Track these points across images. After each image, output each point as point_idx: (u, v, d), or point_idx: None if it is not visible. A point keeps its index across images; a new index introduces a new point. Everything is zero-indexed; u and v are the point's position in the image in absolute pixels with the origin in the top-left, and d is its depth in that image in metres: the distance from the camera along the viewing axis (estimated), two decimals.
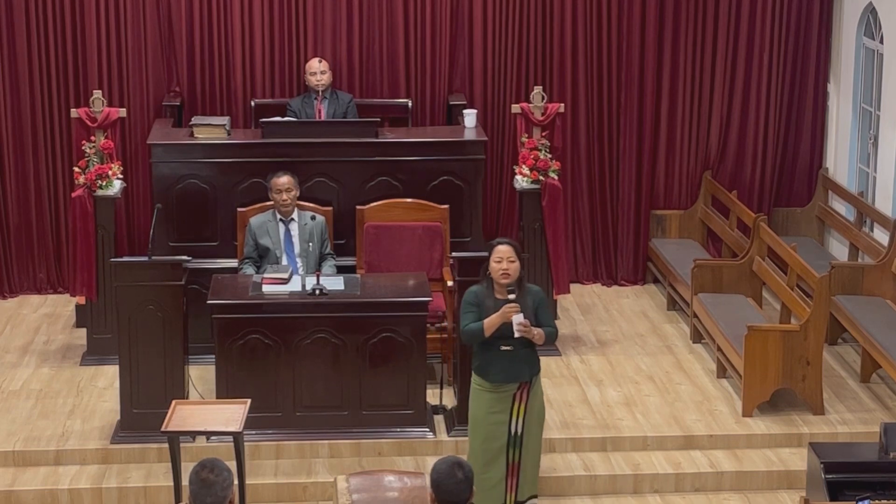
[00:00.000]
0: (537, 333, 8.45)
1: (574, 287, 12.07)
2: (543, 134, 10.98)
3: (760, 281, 11.28)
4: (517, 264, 8.46)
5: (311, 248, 10.42)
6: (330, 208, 10.87)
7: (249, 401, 8.81)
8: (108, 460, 9.52)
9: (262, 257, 10.42)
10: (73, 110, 10.88)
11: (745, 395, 10.03)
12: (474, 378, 8.60)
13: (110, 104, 11.41)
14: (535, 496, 8.82)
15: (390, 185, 11.07)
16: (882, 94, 11.73)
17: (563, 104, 11.32)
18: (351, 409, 9.67)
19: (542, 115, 10.99)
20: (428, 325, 9.83)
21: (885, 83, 11.66)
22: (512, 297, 8.37)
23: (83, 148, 10.66)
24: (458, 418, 9.67)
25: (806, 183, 12.89)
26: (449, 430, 9.73)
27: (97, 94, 10.81)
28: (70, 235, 11.24)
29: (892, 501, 8.08)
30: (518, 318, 8.35)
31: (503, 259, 8.43)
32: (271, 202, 10.53)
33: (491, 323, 8.40)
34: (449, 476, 6.09)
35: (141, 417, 9.52)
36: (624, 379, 10.71)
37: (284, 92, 12.27)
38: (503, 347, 8.43)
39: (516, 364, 8.48)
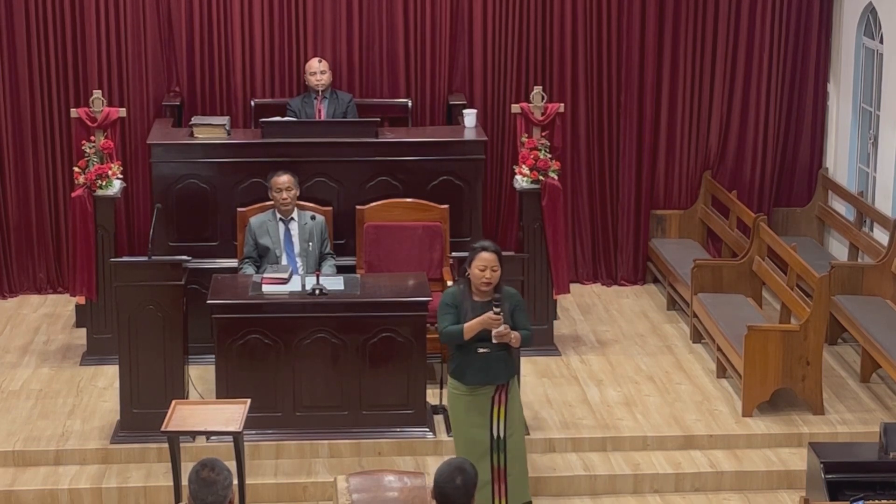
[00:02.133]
0: (514, 337, 8.38)
1: (574, 287, 12.07)
2: (543, 134, 10.98)
3: (760, 281, 11.28)
4: (499, 272, 8.36)
5: (310, 248, 10.43)
6: (330, 208, 10.87)
7: (249, 401, 8.81)
8: (108, 460, 9.52)
9: (262, 257, 10.42)
10: (73, 110, 10.88)
11: (745, 395, 10.03)
12: (450, 382, 8.51)
13: (110, 104, 11.41)
14: (530, 502, 8.77)
15: (390, 185, 11.07)
16: (882, 94, 11.73)
17: (563, 104, 11.31)
18: (351, 409, 9.67)
19: (542, 115, 10.98)
20: (428, 325, 9.83)
21: (885, 83, 11.66)
22: (497, 310, 8.27)
23: (83, 148, 10.66)
24: None
25: (806, 183, 12.89)
26: (449, 430, 9.71)
27: (97, 94, 10.81)
28: (70, 235, 11.24)
29: (891, 501, 8.09)
30: (500, 330, 8.31)
31: (487, 268, 8.31)
32: (271, 202, 10.53)
33: (471, 327, 8.29)
34: (448, 481, 6.11)
35: (141, 417, 9.52)
36: (624, 379, 10.71)
37: (284, 92, 12.27)
38: (480, 349, 8.35)
39: (493, 366, 8.40)
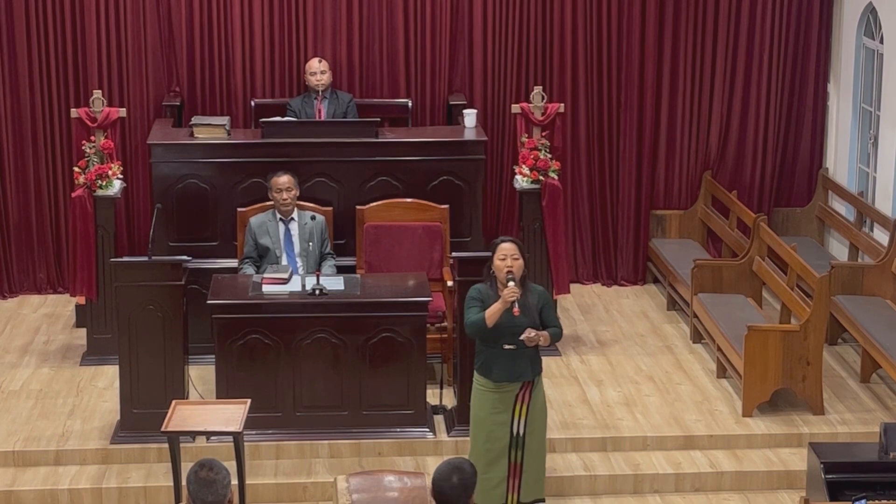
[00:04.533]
0: (544, 337, 8.49)
1: (574, 287, 12.07)
2: (543, 134, 10.98)
3: (760, 281, 11.28)
4: (521, 262, 8.48)
5: (311, 248, 10.43)
6: (330, 208, 10.87)
7: (249, 401, 8.81)
8: (108, 460, 9.52)
9: (262, 257, 10.42)
10: (73, 110, 10.88)
11: (745, 395, 10.03)
12: (476, 378, 8.61)
13: (110, 104, 11.42)
14: (543, 500, 8.80)
15: (390, 185, 11.08)
16: (882, 94, 11.73)
17: (563, 104, 11.31)
18: (351, 409, 9.67)
19: (542, 115, 10.99)
20: (428, 325, 9.84)
21: (885, 83, 11.66)
22: (511, 284, 8.38)
23: (83, 148, 10.66)
24: (458, 418, 9.67)
25: (806, 183, 12.89)
26: (449, 430, 9.73)
27: (97, 94, 10.81)
28: (70, 235, 11.24)
29: (891, 502, 8.09)
30: (530, 336, 8.35)
31: (507, 256, 8.46)
32: (271, 202, 10.54)
33: (492, 311, 8.40)
34: (445, 479, 6.13)
35: (141, 417, 9.52)
36: (624, 379, 10.71)
37: (284, 92, 12.27)
38: (506, 346, 8.45)
39: (519, 363, 8.49)
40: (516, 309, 8.34)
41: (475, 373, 8.63)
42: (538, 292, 8.62)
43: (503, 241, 8.55)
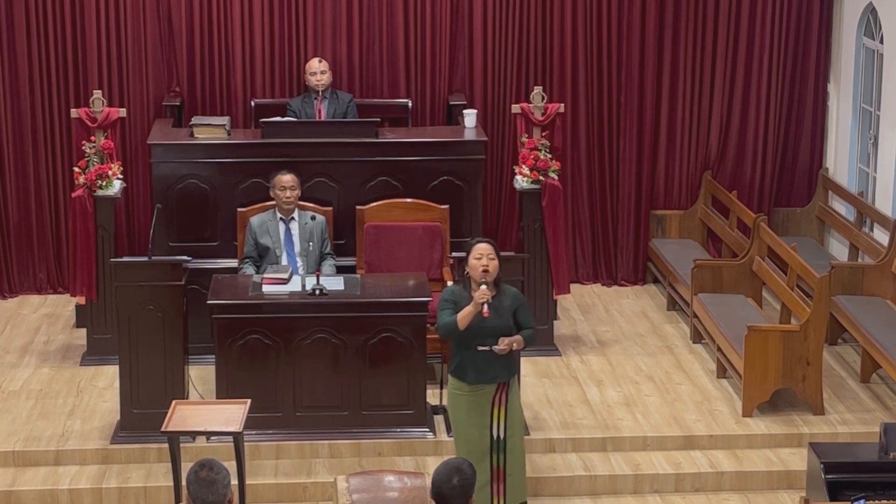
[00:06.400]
0: (517, 342, 8.43)
1: (574, 287, 12.07)
2: (543, 134, 10.98)
3: (760, 281, 11.28)
4: (496, 262, 8.44)
5: (311, 248, 10.43)
6: (330, 208, 10.87)
7: (249, 401, 8.81)
8: (108, 460, 9.52)
9: (262, 256, 10.43)
10: (73, 110, 10.88)
11: (745, 395, 10.03)
12: (451, 381, 8.54)
13: (110, 104, 11.42)
14: (525, 502, 8.79)
15: (390, 185, 11.08)
16: (882, 94, 11.73)
17: (563, 104, 11.32)
18: (351, 409, 9.67)
19: (542, 115, 10.98)
20: (428, 325, 9.83)
21: (885, 83, 11.66)
22: (484, 287, 8.35)
23: (83, 148, 10.66)
24: None
25: (806, 183, 12.89)
26: (449, 431, 9.71)
27: (97, 94, 10.81)
28: (70, 235, 11.24)
29: (891, 502, 8.09)
30: (500, 347, 8.33)
31: (483, 256, 8.40)
32: (272, 202, 10.54)
33: (464, 314, 8.36)
34: (445, 481, 6.14)
35: (141, 417, 9.53)
36: (624, 379, 10.71)
37: (284, 92, 12.27)
38: (480, 348, 8.39)
39: (494, 365, 8.43)
40: (486, 311, 8.31)
41: (450, 376, 8.57)
42: (512, 294, 8.54)
43: (479, 242, 8.49)
